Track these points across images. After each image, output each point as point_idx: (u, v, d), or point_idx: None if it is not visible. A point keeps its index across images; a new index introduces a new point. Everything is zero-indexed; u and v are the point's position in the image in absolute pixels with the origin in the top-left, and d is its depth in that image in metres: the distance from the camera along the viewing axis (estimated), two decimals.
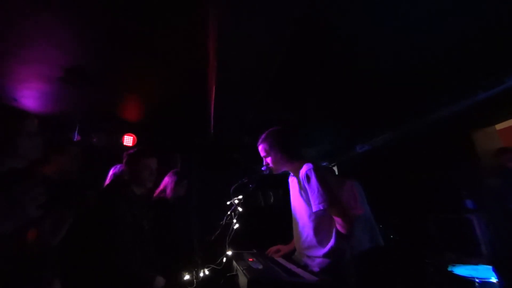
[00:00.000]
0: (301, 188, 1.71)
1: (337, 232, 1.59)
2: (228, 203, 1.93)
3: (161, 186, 2.57)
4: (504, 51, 2.25)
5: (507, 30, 1.99)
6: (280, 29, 1.68)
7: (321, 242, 1.64)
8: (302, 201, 1.73)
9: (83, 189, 1.59)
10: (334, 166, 5.35)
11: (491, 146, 3.41)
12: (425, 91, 2.90)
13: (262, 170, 1.92)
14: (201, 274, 1.87)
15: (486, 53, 2.27)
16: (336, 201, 1.58)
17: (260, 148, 1.89)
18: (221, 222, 1.88)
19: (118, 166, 2.33)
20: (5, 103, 2.68)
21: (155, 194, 2.53)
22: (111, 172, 2.37)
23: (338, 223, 1.57)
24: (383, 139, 3.97)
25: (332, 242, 1.60)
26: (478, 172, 3.34)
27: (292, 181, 1.89)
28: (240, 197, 1.94)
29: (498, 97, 2.66)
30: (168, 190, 2.52)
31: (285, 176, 2.00)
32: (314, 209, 1.61)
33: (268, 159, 1.86)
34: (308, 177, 1.64)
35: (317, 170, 1.64)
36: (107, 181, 2.29)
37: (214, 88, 2.26)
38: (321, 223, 1.65)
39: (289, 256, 1.94)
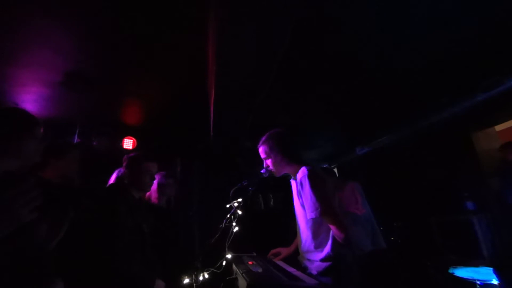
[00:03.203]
0: (298, 193, 1.71)
1: (335, 237, 1.58)
2: (227, 206, 1.93)
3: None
4: (503, 52, 2.26)
5: (507, 31, 2.00)
6: (280, 33, 1.69)
7: (319, 247, 1.63)
8: (300, 206, 1.73)
9: (81, 194, 1.59)
10: (334, 168, 5.34)
11: (491, 147, 3.42)
12: (425, 93, 2.90)
13: (262, 173, 1.92)
14: (201, 278, 1.86)
15: (486, 54, 2.28)
16: (329, 210, 1.54)
17: (261, 150, 1.89)
18: (221, 225, 1.88)
19: (122, 169, 2.32)
20: (16, 107, 2.68)
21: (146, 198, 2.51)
22: (114, 175, 2.36)
23: (333, 230, 1.55)
24: (383, 141, 3.97)
25: (329, 247, 1.58)
26: (478, 173, 3.34)
27: (293, 184, 1.89)
28: (240, 200, 1.94)
29: (498, 98, 2.66)
30: (153, 194, 2.49)
31: (285, 178, 1.99)
32: (308, 217, 1.60)
33: (269, 161, 1.86)
34: (302, 184, 1.63)
35: (311, 176, 1.60)
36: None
37: (213, 92, 2.27)
38: (318, 228, 1.65)
39: (290, 259, 1.93)
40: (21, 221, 0.86)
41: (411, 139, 3.67)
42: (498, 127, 3.66)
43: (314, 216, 1.55)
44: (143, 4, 1.63)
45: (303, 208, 1.68)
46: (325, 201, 1.54)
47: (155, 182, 2.52)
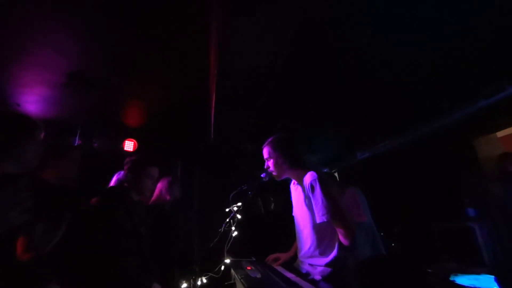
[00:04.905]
0: (306, 197, 1.70)
1: (340, 242, 1.58)
2: (227, 210, 1.92)
3: (157, 192, 2.56)
4: (505, 59, 2.25)
5: (509, 37, 1.99)
6: (282, 38, 1.69)
7: (324, 252, 1.63)
8: (306, 210, 1.71)
9: (79, 195, 1.58)
10: (335, 172, 5.33)
11: (492, 153, 3.40)
12: (426, 98, 2.89)
13: (262, 177, 1.92)
14: (199, 282, 1.85)
15: (487, 61, 2.27)
16: (339, 213, 1.56)
17: (265, 150, 1.90)
18: (220, 230, 1.87)
19: (122, 172, 2.32)
20: (17, 111, 2.71)
21: (151, 200, 2.52)
22: (115, 178, 2.36)
23: (341, 234, 1.55)
24: (384, 146, 3.96)
25: (335, 252, 1.59)
26: (480, 179, 3.32)
27: (296, 190, 1.88)
28: (239, 204, 1.93)
29: (500, 104, 2.65)
30: (163, 194, 2.51)
31: (286, 182, 1.99)
32: (318, 220, 1.60)
33: (270, 162, 1.86)
34: (312, 187, 1.62)
35: (321, 180, 1.62)
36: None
37: (214, 95, 2.27)
38: (324, 233, 1.64)
39: (288, 264, 1.92)
40: (11, 222, 0.85)
41: (413, 144, 3.65)
42: (500, 133, 3.65)
43: (324, 220, 1.55)
44: (145, 6, 1.64)
45: (310, 212, 1.67)
46: (335, 205, 1.56)
47: (166, 182, 2.54)
